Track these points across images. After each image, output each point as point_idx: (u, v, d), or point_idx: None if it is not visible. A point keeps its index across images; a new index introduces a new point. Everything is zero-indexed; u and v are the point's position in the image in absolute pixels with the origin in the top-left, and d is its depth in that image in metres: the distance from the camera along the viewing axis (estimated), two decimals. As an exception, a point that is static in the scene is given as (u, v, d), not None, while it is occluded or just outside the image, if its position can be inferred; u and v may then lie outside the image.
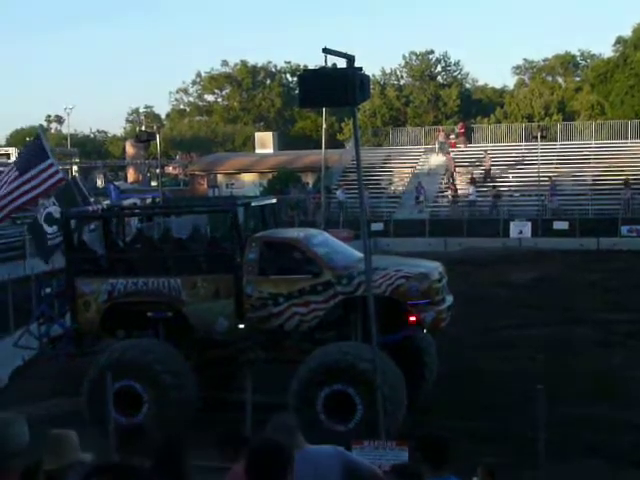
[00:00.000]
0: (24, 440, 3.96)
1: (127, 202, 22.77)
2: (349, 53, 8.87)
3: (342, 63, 9.08)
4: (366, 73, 8.82)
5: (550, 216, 39.93)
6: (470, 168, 46.43)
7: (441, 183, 46.27)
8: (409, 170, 47.97)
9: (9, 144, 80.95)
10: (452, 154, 47.73)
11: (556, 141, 48.42)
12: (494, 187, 43.56)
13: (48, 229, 16.93)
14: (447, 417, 13.65)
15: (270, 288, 13.75)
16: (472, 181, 44.26)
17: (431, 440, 5.83)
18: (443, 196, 45.36)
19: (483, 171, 45.62)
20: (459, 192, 44.78)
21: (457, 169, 46.37)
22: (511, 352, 17.43)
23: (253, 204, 15.47)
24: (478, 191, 43.76)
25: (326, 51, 8.39)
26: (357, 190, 41.22)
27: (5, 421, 3.96)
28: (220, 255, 14.46)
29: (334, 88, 8.32)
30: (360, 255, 14.49)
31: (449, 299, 14.26)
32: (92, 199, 19.70)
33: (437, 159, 48.32)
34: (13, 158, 51.00)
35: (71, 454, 4.83)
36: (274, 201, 16.74)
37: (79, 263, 14.81)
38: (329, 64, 9.08)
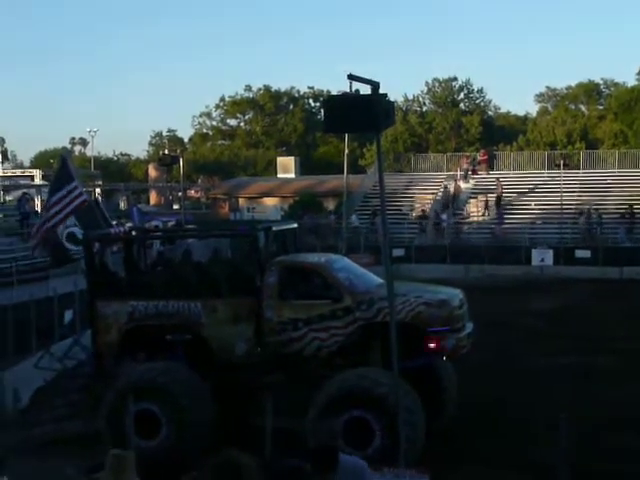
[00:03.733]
0: None
1: (149, 224, 22.86)
2: (373, 80, 8.90)
3: (366, 89, 9.12)
4: (391, 99, 8.86)
5: (573, 244, 39.74)
6: (490, 195, 46.45)
7: (463, 210, 46.21)
8: (431, 196, 47.95)
9: (33, 166, 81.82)
10: (474, 181, 47.72)
11: (579, 169, 48.27)
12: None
13: (72, 247, 17.08)
14: (467, 444, 13.58)
15: (290, 313, 13.72)
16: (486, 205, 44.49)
17: (318, 450, 6.07)
18: (464, 222, 45.28)
19: (495, 197, 45.61)
20: (481, 219, 44.81)
21: (479, 196, 46.35)
22: (533, 380, 17.27)
23: (274, 228, 15.48)
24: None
25: (351, 77, 8.43)
26: (370, 216, 41.53)
27: None
28: (240, 279, 14.46)
29: (359, 114, 8.35)
30: (380, 281, 14.47)
31: (469, 326, 14.18)
32: (114, 222, 19.84)
33: (461, 185, 48.27)
34: (37, 180, 51.52)
35: (130, 474, 5.11)
36: (295, 225, 16.74)
37: (100, 285, 14.87)
38: (353, 90, 9.12)
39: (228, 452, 4.78)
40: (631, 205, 41.82)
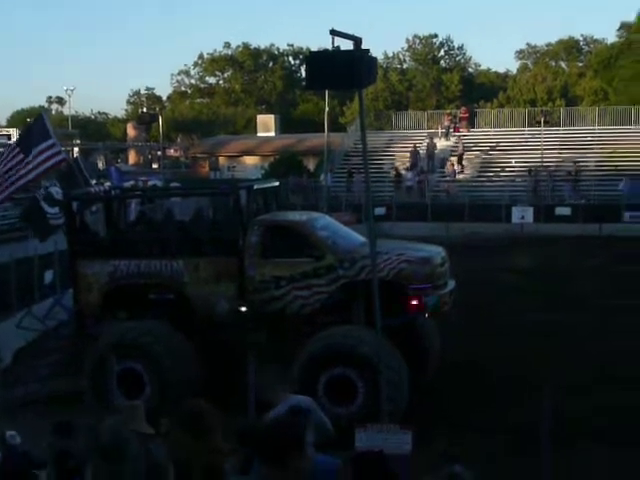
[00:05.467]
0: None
1: (127, 184, 22.70)
2: (356, 35, 8.79)
3: (348, 45, 9.01)
4: (373, 56, 8.77)
5: (553, 202, 39.95)
6: (472, 152, 46.45)
7: (443, 168, 46.22)
8: (411, 154, 47.85)
9: (10, 125, 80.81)
10: (455, 139, 47.68)
11: (559, 126, 48.30)
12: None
13: (49, 209, 16.87)
14: (450, 403, 13.70)
15: (272, 271, 13.73)
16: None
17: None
18: (446, 181, 45.31)
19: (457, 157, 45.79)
20: (462, 177, 44.90)
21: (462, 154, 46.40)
22: (512, 338, 17.41)
23: (255, 187, 15.41)
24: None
25: (333, 33, 8.32)
26: (346, 175, 41.49)
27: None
28: (222, 237, 14.42)
29: (341, 70, 8.25)
30: (363, 239, 14.48)
31: (451, 284, 14.26)
32: (93, 181, 19.66)
33: (442, 143, 48.18)
34: (14, 139, 50.84)
35: (141, 422, 5.66)
36: (277, 184, 16.67)
37: (81, 245, 14.78)
38: (334, 47, 8.99)
39: (193, 401, 5.14)
40: (575, 162, 42.20)
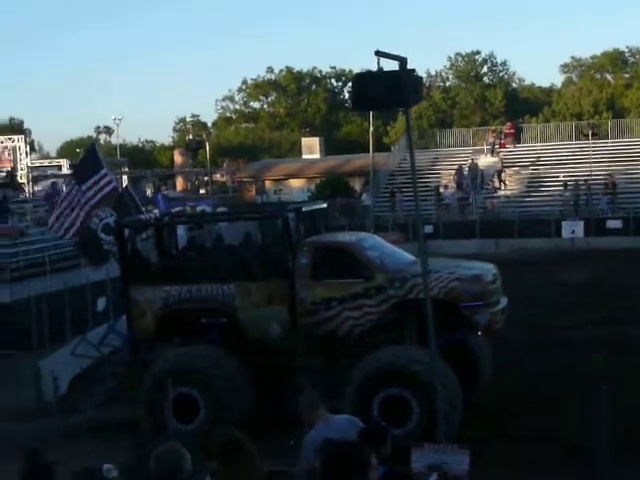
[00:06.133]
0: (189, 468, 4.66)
1: (176, 209, 23.00)
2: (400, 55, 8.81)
3: (391, 66, 9.03)
4: (418, 75, 8.77)
5: (603, 215, 39.38)
6: (519, 168, 46.07)
7: (490, 184, 45.88)
8: (456, 173, 47.56)
9: (60, 156, 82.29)
10: (501, 154, 47.38)
11: (607, 139, 47.69)
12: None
13: (105, 237, 17.19)
14: (503, 420, 13.55)
15: (323, 293, 13.74)
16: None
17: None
18: (493, 197, 44.97)
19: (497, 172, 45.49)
20: (509, 192, 44.54)
21: (506, 170, 46.01)
22: (568, 352, 17.16)
23: (304, 209, 15.48)
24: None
25: (379, 54, 8.35)
26: (389, 195, 41.12)
27: (180, 452, 4.52)
28: (272, 261, 14.50)
29: (387, 91, 8.28)
30: (412, 258, 14.45)
31: (503, 301, 14.12)
32: (144, 208, 19.94)
33: (487, 160, 47.86)
34: (64, 169, 51.80)
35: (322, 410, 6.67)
36: (324, 206, 16.74)
37: (133, 272, 14.96)
38: (377, 68, 9.02)
39: (224, 431, 5.01)
40: (611, 175, 41.49)
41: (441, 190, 44.71)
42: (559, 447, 12.13)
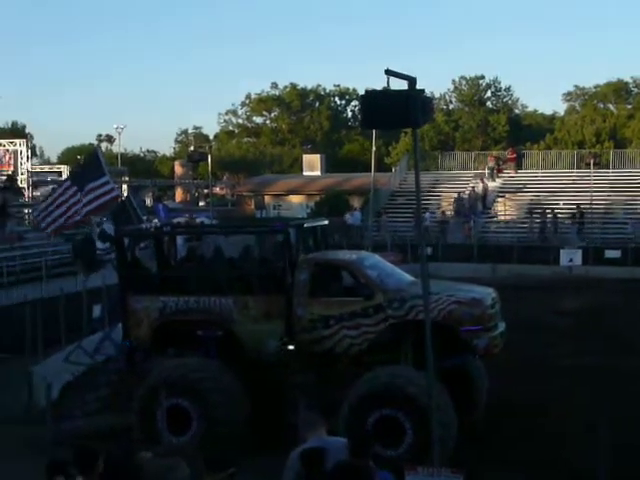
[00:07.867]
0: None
1: (179, 220, 22.92)
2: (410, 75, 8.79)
3: (399, 85, 9.00)
4: (428, 95, 8.75)
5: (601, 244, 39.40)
6: (519, 194, 46.15)
7: (490, 209, 45.94)
8: (458, 195, 47.64)
9: (60, 162, 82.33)
10: (501, 180, 47.45)
11: (608, 168, 47.79)
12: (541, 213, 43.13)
13: (100, 245, 17.12)
14: (499, 445, 13.45)
15: (321, 310, 13.68)
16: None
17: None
18: (492, 221, 45.00)
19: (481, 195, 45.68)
20: (508, 218, 44.58)
21: (507, 195, 46.11)
22: (563, 381, 17.10)
23: (305, 225, 15.45)
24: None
25: (388, 72, 8.33)
26: (377, 214, 40.84)
27: (168, 466, 4.42)
28: (272, 275, 14.45)
29: (397, 110, 8.25)
30: (412, 279, 14.40)
31: (502, 325, 14.08)
32: (145, 217, 19.89)
33: (486, 184, 47.85)
34: (64, 176, 51.76)
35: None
36: (326, 223, 16.70)
37: (132, 280, 14.90)
38: (383, 87, 8.99)
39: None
40: (578, 205, 41.95)
41: (425, 214, 44.27)
42: (556, 473, 12.04)
